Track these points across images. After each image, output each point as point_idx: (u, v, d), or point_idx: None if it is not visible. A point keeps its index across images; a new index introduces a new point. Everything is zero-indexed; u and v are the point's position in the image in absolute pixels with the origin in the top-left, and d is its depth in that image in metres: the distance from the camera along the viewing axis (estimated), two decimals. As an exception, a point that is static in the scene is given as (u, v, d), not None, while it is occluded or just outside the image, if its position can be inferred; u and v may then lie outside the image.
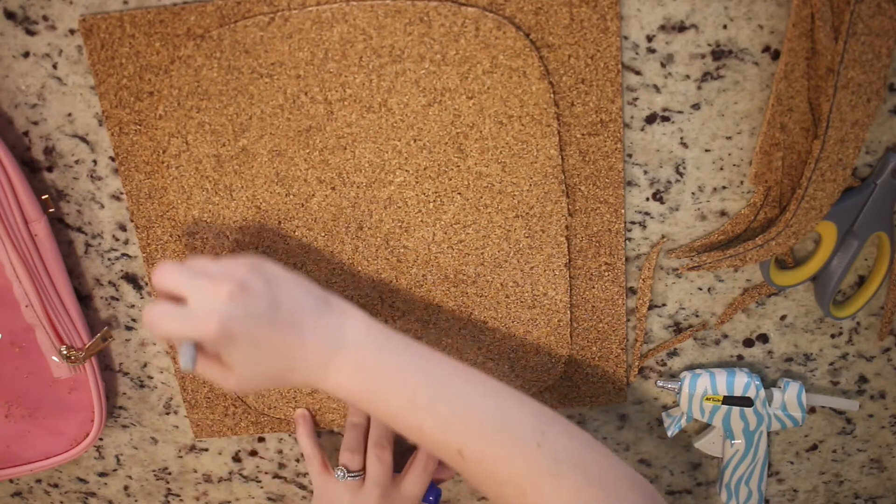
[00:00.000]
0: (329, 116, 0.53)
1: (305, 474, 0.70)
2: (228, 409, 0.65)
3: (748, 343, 0.62)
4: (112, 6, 0.51)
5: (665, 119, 0.53)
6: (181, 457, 0.69)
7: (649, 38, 0.51)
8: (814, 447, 0.67)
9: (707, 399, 0.61)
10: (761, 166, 0.54)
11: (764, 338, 0.61)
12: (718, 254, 0.56)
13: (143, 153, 0.55)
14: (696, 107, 0.53)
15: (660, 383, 0.62)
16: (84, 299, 0.62)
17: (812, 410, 0.65)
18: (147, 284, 0.61)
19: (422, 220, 0.57)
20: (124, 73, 0.53)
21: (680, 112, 0.53)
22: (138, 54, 0.52)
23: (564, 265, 0.58)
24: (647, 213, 0.57)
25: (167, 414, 0.67)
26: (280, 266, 0.50)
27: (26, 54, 0.53)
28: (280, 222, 0.57)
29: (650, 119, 0.54)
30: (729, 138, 0.54)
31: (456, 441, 0.47)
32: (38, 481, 0.72)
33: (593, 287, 0.59)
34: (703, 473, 0.68)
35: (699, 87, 0.52)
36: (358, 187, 0.56)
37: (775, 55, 0.51)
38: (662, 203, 0.56)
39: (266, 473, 0.70)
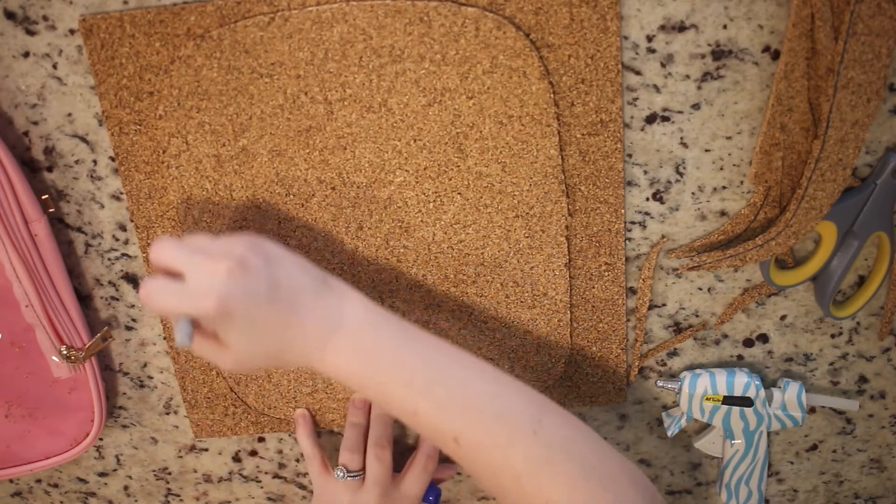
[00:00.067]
0: (329, 116, 0.53)
1: (305, 474, 0.70)
2: (228, 409, 0.65)
3: (748, 343, 0.62)
4: (112, 6, 0.51)
5: (665, 119, 0.53)
6: (181, 457, 0.69)
7: (649, 38, 0.51)
8: (814, 447, 0.67)
9: (707, 399, 0.61)
10: (761, 166, 0.54)
11: (764, 338, 0.61)
12: (718, 254, 0.56)
13: (143, 153, 0.55)
14: (696, 107, 0.53)
15: (660, 383, 0.62)
16: (84, 299, 0.62)
17: (812, 410, 0.65)
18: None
19: (422, 220, 0.57)
20: (124, 73, 0.53)
21: (680, 112, 0.53)
22: (138, 54, 0.52)
23: (564, 265, 0.58)
24: (647, 213, 0.57)
25: (167, 414, 0.67)
26: (279, 245, 0.50)
27: (26, 54, 0.53)
28: (280, 222, 0.57)
29: (650, 119, 0.54)
30: (729, 138, 0.54)
31: (452, 426, 0.47)
32: (38, 481, 0.72)
33: (593, 287, 0.59)
34: (703, 473, 0.68)
35: (699, 87, 0.52)
36: (358, 187, 0.56)
37: (775, 55, 0.51)
38: (662, 203, 0.56)
39: (266, 473, 0.70)
